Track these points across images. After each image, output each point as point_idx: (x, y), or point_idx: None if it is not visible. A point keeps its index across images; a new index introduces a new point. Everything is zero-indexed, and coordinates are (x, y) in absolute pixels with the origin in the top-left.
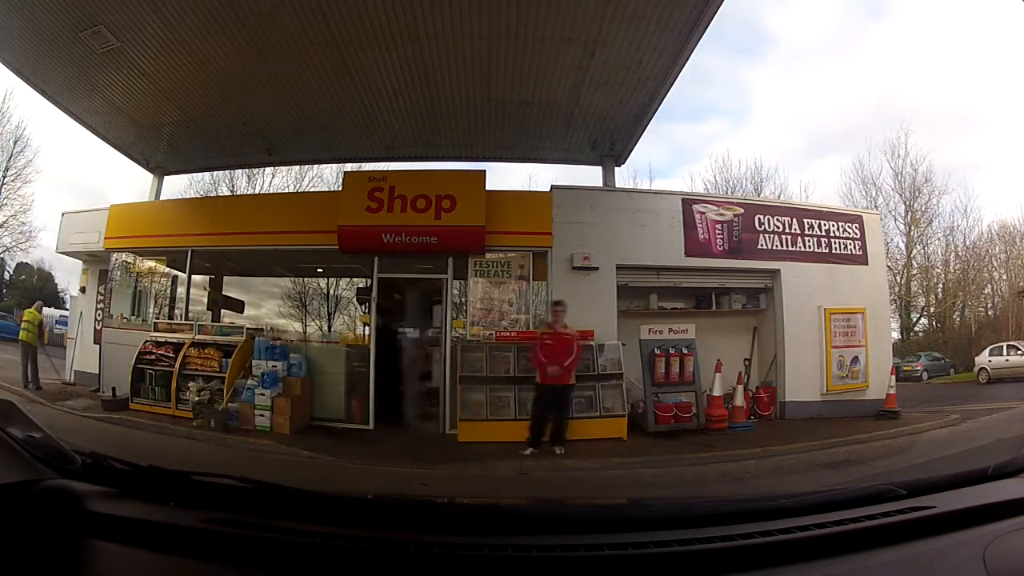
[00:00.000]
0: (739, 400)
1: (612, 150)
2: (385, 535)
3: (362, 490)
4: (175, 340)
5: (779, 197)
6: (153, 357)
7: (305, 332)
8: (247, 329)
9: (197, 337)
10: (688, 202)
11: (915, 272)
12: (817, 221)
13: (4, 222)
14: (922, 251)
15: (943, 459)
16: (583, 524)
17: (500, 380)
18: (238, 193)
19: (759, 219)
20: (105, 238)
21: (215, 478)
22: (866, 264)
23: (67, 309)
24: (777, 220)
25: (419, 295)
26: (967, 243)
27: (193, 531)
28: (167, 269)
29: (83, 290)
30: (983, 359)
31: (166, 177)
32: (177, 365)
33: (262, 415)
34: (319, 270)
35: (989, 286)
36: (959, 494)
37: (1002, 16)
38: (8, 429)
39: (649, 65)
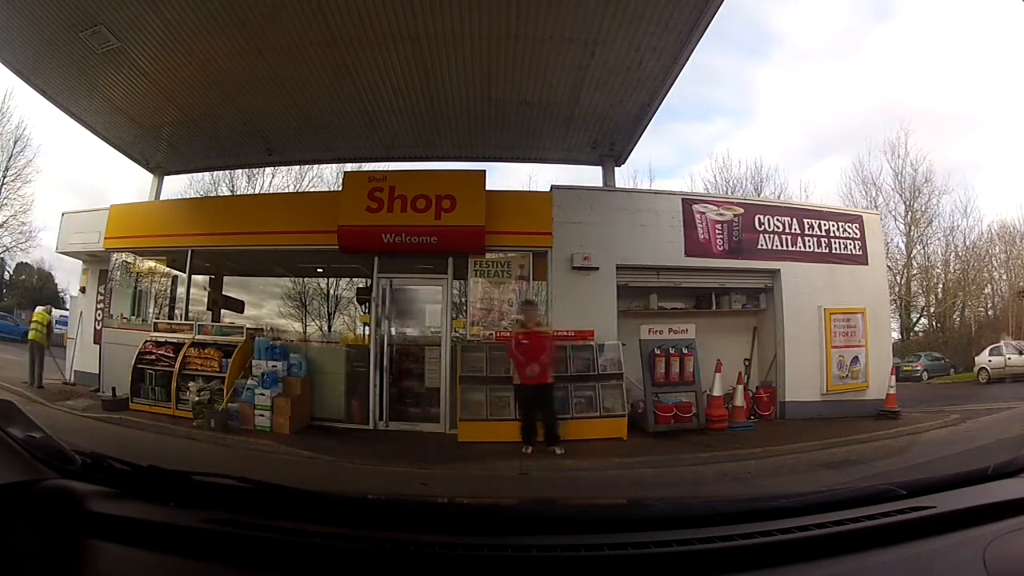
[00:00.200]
0: (739, 400)
1: (612, 150)
2: (385, 535)
3: (362, 490)
4: (175, 340)
5: (779, 197)
6: (153, 357)
7: (305, 332)
8: (247, 329)
9: (197, 337)
10: (688, 202)
11: (915, 272)
12: (817, 221)
13: (4, 222)
14: (922, 251)
15: (943, 459)
16: (583, 524)
17: (500, 380)
18: (238, 193)
19: (759, 219)
20: (105, 238)
21: (215, 478)
22: (866, 264)
23: (67, 309)
24: (777, 220)
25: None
26: (967, 243)
27: (193, 531)
28: (167, 269)
29: (83, 290)
30: (983, 359)
31: (166, 177)
32: (177, 365)
33: (262, 415)
34: (319, 270)
35: (989, 286)
36: (959, 494)
37: (1003, 16)
38: (8, 429)
39: (649, 65)
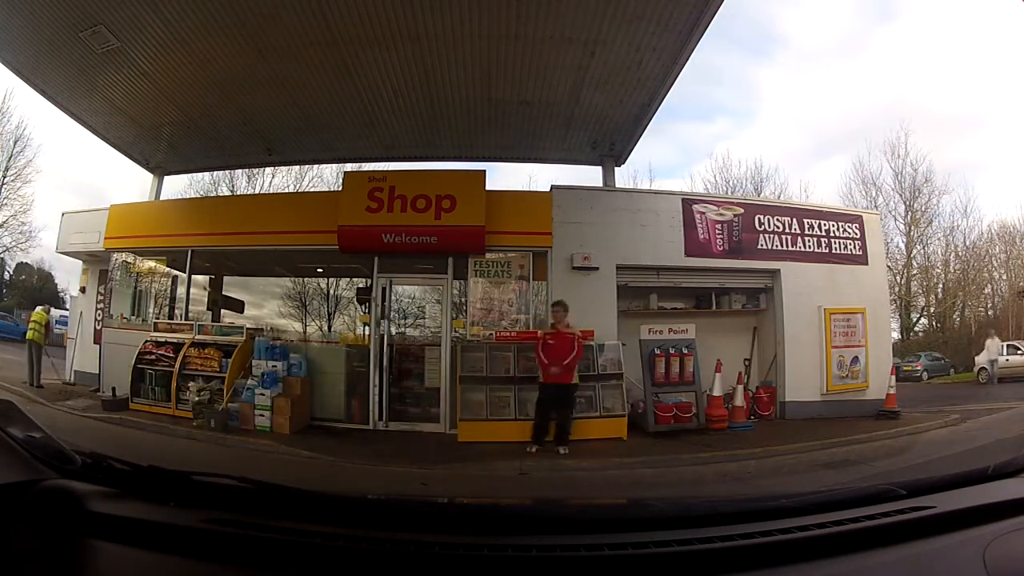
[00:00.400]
0: (739, 400)
1: (612, 150)
2: (385, 535)
3: (362, 490)
4: (175, 340)
5: (779, 197)
6: (153, 357)
7: (305, 332)
8: (247, 329)
9: (197, 337)
10: (688, 202)
11: (915, 272)
12: (817, 221)
13: (4, 222)
14: (922, 251)
15: (943, 459)
16: (583, 524)
17: (500, 380)
18: (238, 193)
19: (759, 219)
20: (105, 238)
21: (215, 478)
22: (866, 264)
23: (67, 309)
24: (777, 220)
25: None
26: (967, 243)
27: (193, 531)
28: (167, 269)
29: (83, 290)
30: (983, 359)
31: (166, 177)
32: (177, 365)
33: (262, 415)
34: (319, 270)
35: (989, 286)
36: (959, 494)
37: (1003, 17)
38: (8, 429)
39: (649, 65)
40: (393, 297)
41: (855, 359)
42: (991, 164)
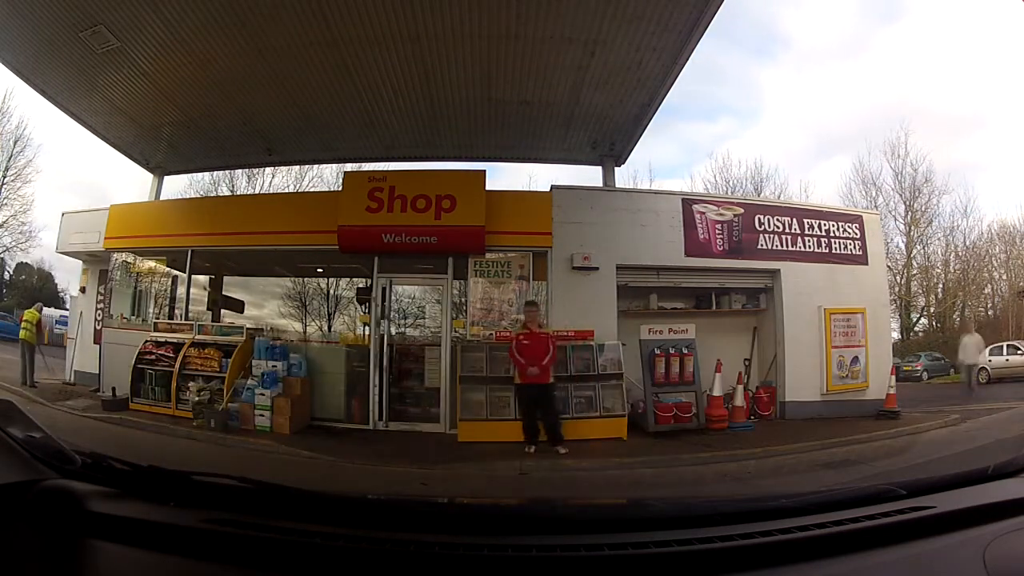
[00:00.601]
0: (739, 400)
1: (612, 150)
2: (385, 535)
3: (362, 490)
4: (175, 340)
5: (779, 197)
6: (153, 357)
7: (305, 332)
8: (247, 329)
9: (197, 337)
10: (688, 202)
11: (915, 272)
12: (817, 221)
13: (4, 222)
14: (922, 251)
15: (943, 459)
16: (583, 524)
17: (500, 380)
18: (238, 193)
19: (759, 219)
20: (105, 238)
21: (215, 478)
22: (866, 264)
23: (67, 309)
24: (777, 220)
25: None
26: (967, 243)
27: (193, 531)
28: (167, 269)
29: (83, 290)
30: (983, 359)
31: (166, 177)
32: (177, 365)
33: (262, 415)
34: (319, 270)
35: (989, 286)
36: (959, 494)
37: (1003, 17)
38: (8, 429)
39: (649, 65)
40: (393, 297)
41: (855, 359)
42: (991, 164)
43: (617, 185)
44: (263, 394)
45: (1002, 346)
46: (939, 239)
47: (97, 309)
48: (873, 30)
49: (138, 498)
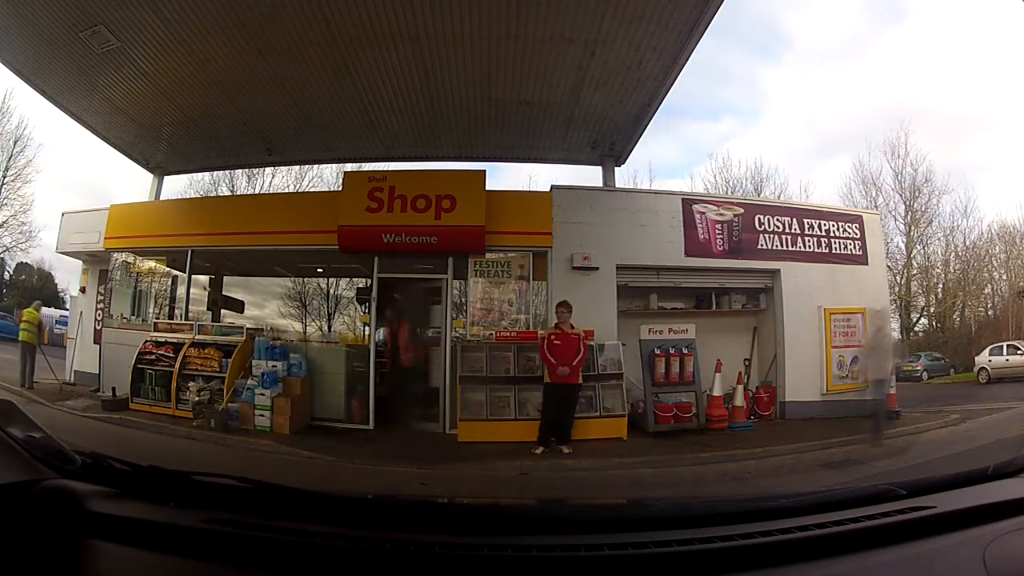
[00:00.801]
0: (739, 400)
1: (612, 150)
2: (385, 535)
3: (362, 490)
4: (175, 340)
5: (779, 197)
6: (153, 357)
7: (305, 332)
8: (247, 329)
9: (197, 337)
10: (688, 202)
11: (915, 272)
12: (817, 221)
13: (4, 222)
14: (922, 251)
15: (943, 459)
16: (583, 524)
17: (500, 380)
18: (238, 193)
19: (759, 219)
20: (105, 238)
21: (215, 478)
22: (866, 264)
23: (67, 309)
24: (777, 220)
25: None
26: (967, 243)
27: (193, 531)
28: (167, 269)
29: (83, 290)
30: (983, 359)
31: (166, 177)
32: (177, 365)
33: (262, 415)
34: (319, 270)
35: (989, 286)
36: (959, 494)
37: (1003, 17)
38: (8, 429)
39: (649, 65)
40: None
41: (855, 359)
42: (991, 164)
43: (617, 185)
44: (263, 394)
45: (1002, 346)
46: (939, 239)
47: (97, 309)
48: (874, 30)
49: (138, 498)
